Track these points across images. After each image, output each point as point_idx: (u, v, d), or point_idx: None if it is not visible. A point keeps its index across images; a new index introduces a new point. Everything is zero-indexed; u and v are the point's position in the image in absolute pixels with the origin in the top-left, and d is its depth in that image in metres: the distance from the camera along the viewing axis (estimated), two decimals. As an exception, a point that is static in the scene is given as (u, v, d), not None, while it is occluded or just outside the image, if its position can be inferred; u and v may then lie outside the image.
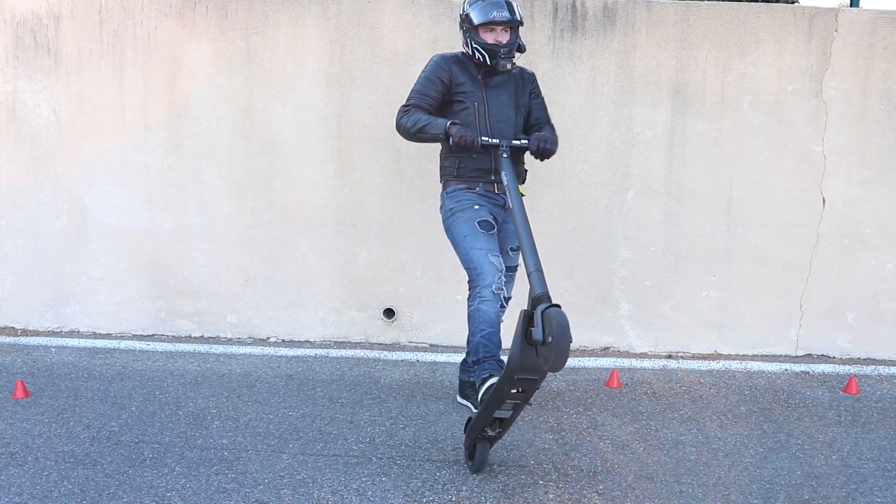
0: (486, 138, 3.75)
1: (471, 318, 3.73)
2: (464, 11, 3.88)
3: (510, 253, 4.05)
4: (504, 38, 3.82)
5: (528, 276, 3.20)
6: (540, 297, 3.07)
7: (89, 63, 5.14)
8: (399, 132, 3.90)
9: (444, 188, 4.03)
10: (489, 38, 3.82)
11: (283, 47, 5.05)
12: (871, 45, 4.91)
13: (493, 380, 3.48)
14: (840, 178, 5.03)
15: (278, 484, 3.42)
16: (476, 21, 3.79)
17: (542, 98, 4.16)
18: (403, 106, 3.90)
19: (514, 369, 3.09)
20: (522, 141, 3.83)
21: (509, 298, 3.95)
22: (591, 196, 5.08)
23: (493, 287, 3.69)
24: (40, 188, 5.28)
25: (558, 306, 2.99)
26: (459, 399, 4.32)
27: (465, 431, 3.64)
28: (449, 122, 3.72)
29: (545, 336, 2.94)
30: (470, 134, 3.65)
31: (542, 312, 2.98)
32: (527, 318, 3.10)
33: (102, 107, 5.17)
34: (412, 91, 3.93)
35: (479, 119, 3.90)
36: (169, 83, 5.12)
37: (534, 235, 3.57)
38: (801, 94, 4.97)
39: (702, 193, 5.07)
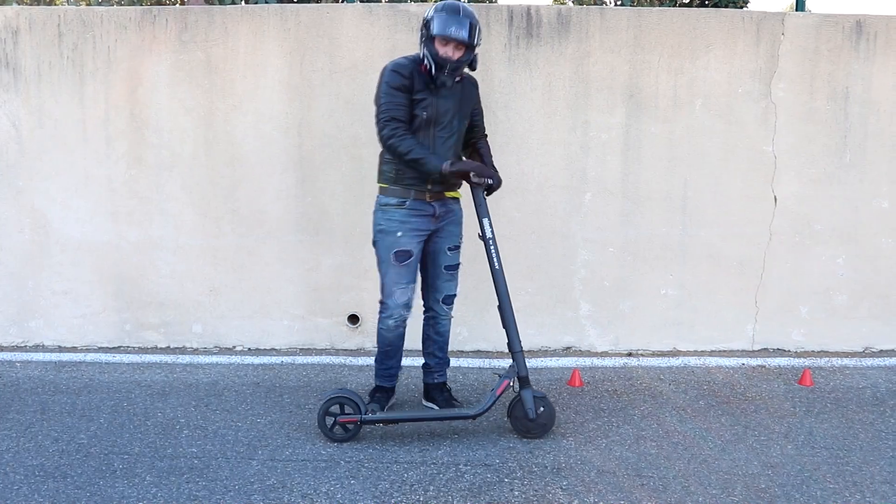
0: (488, 180, 3.97)
1: (377, 334, 4.20)
2: (428, 14, 3.88)
3: (448, 253, 4.17)
4: (456, 55, 3.85)
5: (514, 355, 3.94)
6: (526, 379, 3.94)
7: (49, 76, 5.15)
8: (388, 150, 3.92)
9: (380, 192, 4.08)
10: (441, 50, 3.83)
11: (243, 58, 5.09)
12: (817, 47, 5.07)
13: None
14: (790, 176, 5.18)
15: (249, 490, 3.47)
16: (434, 31, 3.82)
17: (482, 111, 4.30)
18: (386, 120, 3.87)
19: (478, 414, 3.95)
20: (488, 181, 4.02)
21: (454, 296, 4.27)
22: (550, 199, 5.18)
23: (392, 322, 4.10)
24: (1, 202, 5.26)
25: (544, 395, 4.00)
26: (424, 402, 4.40)
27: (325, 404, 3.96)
28: (446, 164, 3.85)
29: (538, 416, 3.95)
30: (465, 168, 3.89)
31: (536, 397, 3.95)
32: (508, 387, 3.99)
33: (63, 120, 5.17)
34: (384, 104, 3.88)
35: (423, 128, 3.95)
36: (130, 96, 5.14)
37: (496, 239, 3.78)
38: (751, 95, 5.12)
39: (657, 194, 5.19)
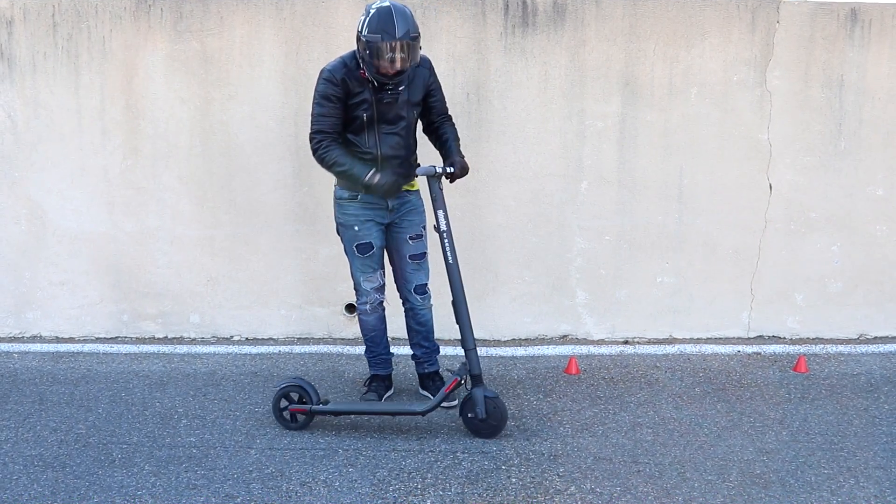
0: (436, 168, 3.90)
1: (359, 321, 4.31)
2: (362, 31, 3.70)
3: (409, 242, 4.14)
4: (396, 67, 3.71)
5: (467, 353, 3.87)
6: (479, 378, 3.86)
7: (44, 67, 5.13)
8: (318, 163, 3.95)
9: (336, 184, 4.12)
10: (381, 68, 3.71)
11: (239, 48, 5.09)
12: (812, 35, 5.08)
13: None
14: (785, 164, 5.20)
15: (247, 478, 3.49)
16: (368, 58, 3.70)
17: (440, 88, 4.12)
18: (314, 133, 3.89)
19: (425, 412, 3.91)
20: (448, 169, 3.96)
21: (425, 285, 4.25)
22: (546, 188, 5.19)
23: (368, 307, 4.21)
24: (-2, 194, 5.27)
25: (496, 395, 3.89)
26: (421, 391, 4.42)
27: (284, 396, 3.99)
28: (370, 173, 3.83)
29: (488, 416, 3.84)
30: (391, 182, 3.85)
31: (487, 397, 3.84)
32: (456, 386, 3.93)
33: (59, 111, 5.16)
34: (314, 115, 3.88)
35: (367, 127, 3.91)
36: (125, 86, 5.13)
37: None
38: (746, 84, 5.12)
39: (653, 182, 5.20)
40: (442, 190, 3.93)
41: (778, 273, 5.31)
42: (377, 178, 3.82)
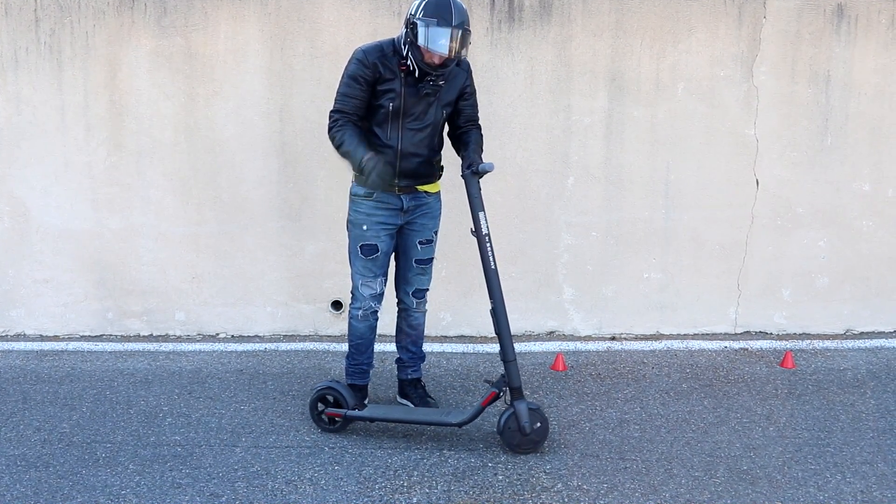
0: (482, 165, 3.67)
1: (348, 325, 4.12)
2: (415, 15, 3.58)
3: (418, 247, 4.02)
4: (441, 60, 3.61)
5: (506, 364, 3.65)
6: (519, 390, 3.65)
7: (26, 63, 5.09)
8: (330, 141, 3.83)
9: (352, 180, 3.98)
10: (427, 56, 3.60)
11: (224, 44, 5.05)
12: (798, 31, 5.08)
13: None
14: (772, 160, 5.20)
15: (232, 477, 3.47)
16: (419, 41, 3.56)
17: (475, 93, 4.01)
18: (333, 111, 3.78)
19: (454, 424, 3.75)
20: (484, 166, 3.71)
21: (425, 290, 4.16)
22: (533, 183, 5.18)
23: (360, 313, 4.03)
24: (-20, 191, 5.22)
25: (538, 407, 3.70)
26: (399, 399, 4.31)
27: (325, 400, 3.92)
28: (369, 155, 3.66)
29: (532, 427, 3.63)
30: (379, 169, 3.64)
31: (531, 409, 3.65)
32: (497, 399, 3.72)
33: (42, 107, 5.12)
34: (338, 93, 3.78)
35: (391, 120, 3.78)
36: (109, 82, 5.09)
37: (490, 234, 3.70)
38: (733, 79, 5.12)
39: (640, 178, 5.19)
40: (480, 190, 3.72)
41: (765, 268, 5.31)
42: (372, 161, 3.63)
